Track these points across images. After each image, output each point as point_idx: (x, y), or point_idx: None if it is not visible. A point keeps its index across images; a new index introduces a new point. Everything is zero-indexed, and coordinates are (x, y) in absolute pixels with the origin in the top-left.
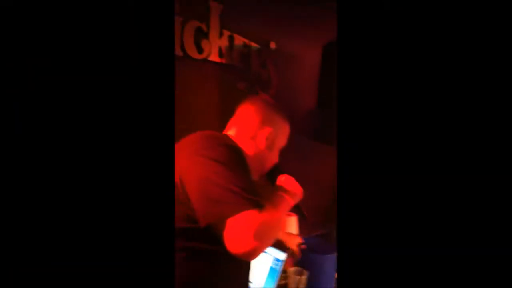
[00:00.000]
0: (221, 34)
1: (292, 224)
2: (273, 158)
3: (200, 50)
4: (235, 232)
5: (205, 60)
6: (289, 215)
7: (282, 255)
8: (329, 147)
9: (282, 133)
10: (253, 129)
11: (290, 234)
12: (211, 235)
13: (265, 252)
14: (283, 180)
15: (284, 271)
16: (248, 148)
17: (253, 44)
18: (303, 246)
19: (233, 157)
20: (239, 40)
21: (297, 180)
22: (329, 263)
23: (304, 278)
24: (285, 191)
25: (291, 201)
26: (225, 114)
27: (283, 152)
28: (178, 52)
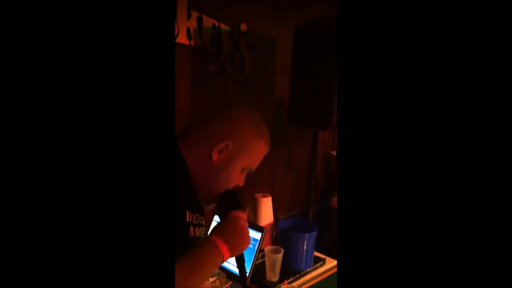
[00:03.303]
0: (189, 15)
1: (267, 205)
2: (228, 180)
3: None
4: None
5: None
6: (264, 196)
7: (258, 235)
8: (303, 130)
9: (248, 154)
10: (213, 141)
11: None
12: None
13: None
14: (232, 221)
15: (261, 250)
16: (201, 160)
17: (223, 26)
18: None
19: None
20: (208, 22)
21: (271, 162)
22: (304, 241)
23: (280, 256)
24: (224, 238)
25: (227, 255)
26: (195, 97)
27: None
28: None
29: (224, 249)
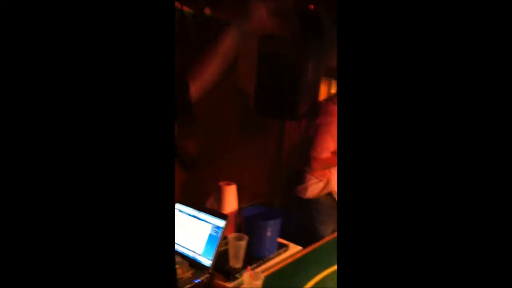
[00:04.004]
0: None
1: (231, 193)
2: None
3: None
4: None
5: None
6: (229, 184)
7: (222, 222)
8: (272, 120)
9: None
10: None
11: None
12: None
13: (204, 221)
14: None
15: (225, 237)
16: None
17: (186, 9)
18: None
19: None
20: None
21: (238, 151)
22: (268, 228)
23: (243, 243)
24: None
25: None
26: None
27: (228, 125)
28: None
29: None
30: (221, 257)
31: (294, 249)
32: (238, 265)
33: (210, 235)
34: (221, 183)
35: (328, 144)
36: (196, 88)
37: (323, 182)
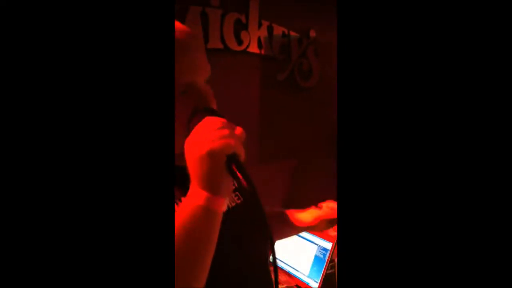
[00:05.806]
0: (260, 25)
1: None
2: None
3: (239, 41)
4: None
5: (244, 52)
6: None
7: (328, 245)
8: None
9: None
10: None
11: None
12: None
13: (311, 241)
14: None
15: (332, 260)
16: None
17: (292, 33)
18: None
19: None
20: (278, 30)
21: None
22: None
23: None
24: (194, 176)
25: (203, 195)
26: (265, 105)
27: (321, 138)
28: (218, 44)
29: (196, 193)
30: (327, 281)
31: None
32: None
33: (316, 257)
34: (325, 203)
35: None
36: None
37: None
